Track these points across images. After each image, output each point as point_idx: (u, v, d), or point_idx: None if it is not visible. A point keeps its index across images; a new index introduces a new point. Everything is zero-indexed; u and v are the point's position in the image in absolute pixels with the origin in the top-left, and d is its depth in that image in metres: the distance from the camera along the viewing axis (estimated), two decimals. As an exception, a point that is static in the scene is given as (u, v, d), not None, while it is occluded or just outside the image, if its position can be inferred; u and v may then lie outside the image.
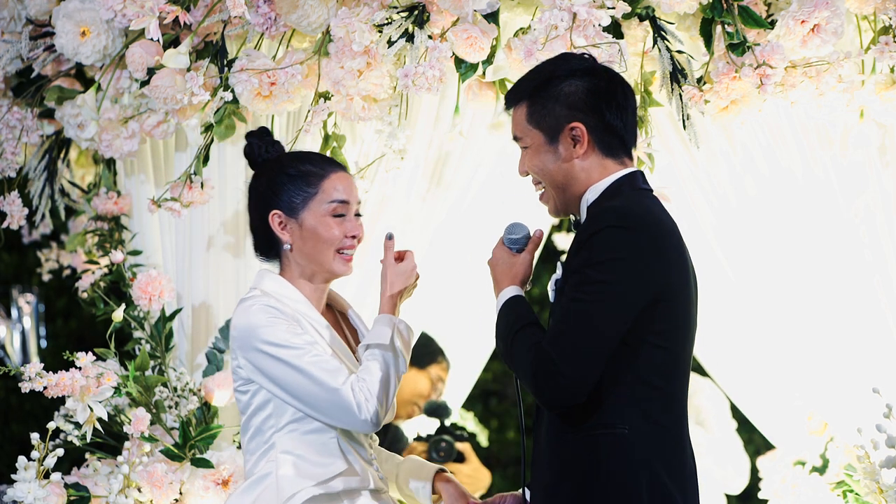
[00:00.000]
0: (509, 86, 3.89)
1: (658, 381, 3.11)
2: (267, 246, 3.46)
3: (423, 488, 3.53)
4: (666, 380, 3.13)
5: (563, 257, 3.25)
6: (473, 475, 4.81)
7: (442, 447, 4.75)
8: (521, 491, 3.43)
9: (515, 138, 3.29)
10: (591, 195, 3.20)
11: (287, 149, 3.86)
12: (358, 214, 3.45)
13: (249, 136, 3.52)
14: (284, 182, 3.41)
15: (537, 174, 3.25)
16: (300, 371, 3.26)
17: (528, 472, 3.34)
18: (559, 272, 3.20)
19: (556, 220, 5.61)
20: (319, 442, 3.32)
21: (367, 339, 3.35)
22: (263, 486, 3.32)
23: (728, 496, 5.43)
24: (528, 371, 3.06)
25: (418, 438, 4.87)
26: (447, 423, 4.89)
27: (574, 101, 3.19)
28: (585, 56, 3.29)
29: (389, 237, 3.43)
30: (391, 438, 4.88)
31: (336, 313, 3.56)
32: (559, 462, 3.13)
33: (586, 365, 3.02)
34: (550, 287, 3.23)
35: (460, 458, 4.78)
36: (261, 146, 3.49)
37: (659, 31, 3.73)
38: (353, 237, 3.41)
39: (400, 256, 3.47)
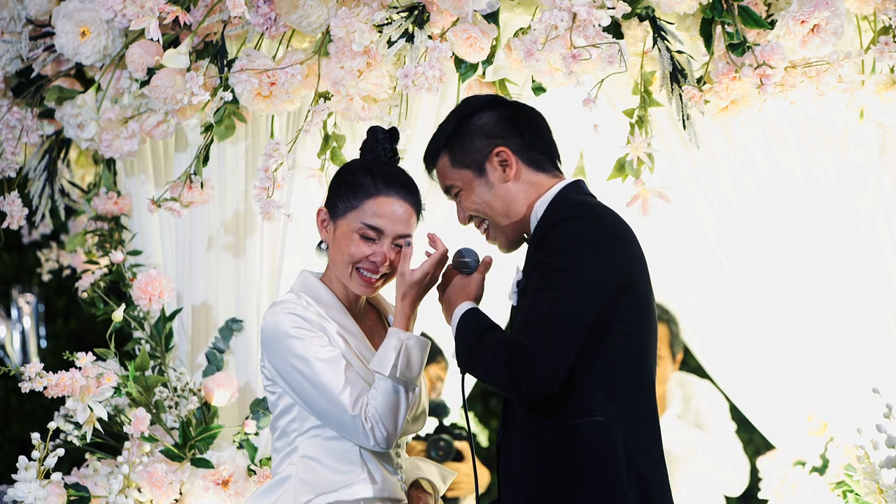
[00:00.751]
0: (509, 86, 3.90)
1: (628, 368, 3.14)
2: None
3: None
4: (635, 367, 3.16)
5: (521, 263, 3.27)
6: (472, 474, 4.80)
7: (441, 446, 4.75)
8: None
9: (447, 190, 3.35)
10: (539, 209, 3.24)
11: (287, 149, 3.88)
12: (398, 245, 3.39)
13: (378, 127, 3.51)
14: (340, 185, 3.41)
15: (477, 209, 3.30)
16: (318, 388, 3.28)
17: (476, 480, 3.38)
18: (519, 275, 3.22)
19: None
20: (341, 449, 3.33)
21: (373, 364, 3.33)
22: (282, 490, 3.33)
23: (728, 497, 5.43)
24: (501, 366, 3.07)
25: (417, 437, 4.86)
26: (446, 422, 4.89)
27: (490, 130, 3.27)
28: (487, 95, 3.40)
29: (408, 244, 3.39)
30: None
31: (377, 312, 3.56)
32: (538, 455, 3.15)
33: (559, 352, 3.04)
34: (511, 290, 3.25)
35: (459, 456, 4.78)
36: (366, 141, 3.48)
37: (659, 31, 3.73)
38: (374, 263, 3.37)
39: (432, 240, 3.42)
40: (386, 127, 3.87)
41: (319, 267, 3.52)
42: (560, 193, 3.24)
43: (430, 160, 3.36)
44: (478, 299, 3.33)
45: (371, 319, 3.51)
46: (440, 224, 4.15)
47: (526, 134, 3.28)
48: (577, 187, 3.27)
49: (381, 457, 3.37)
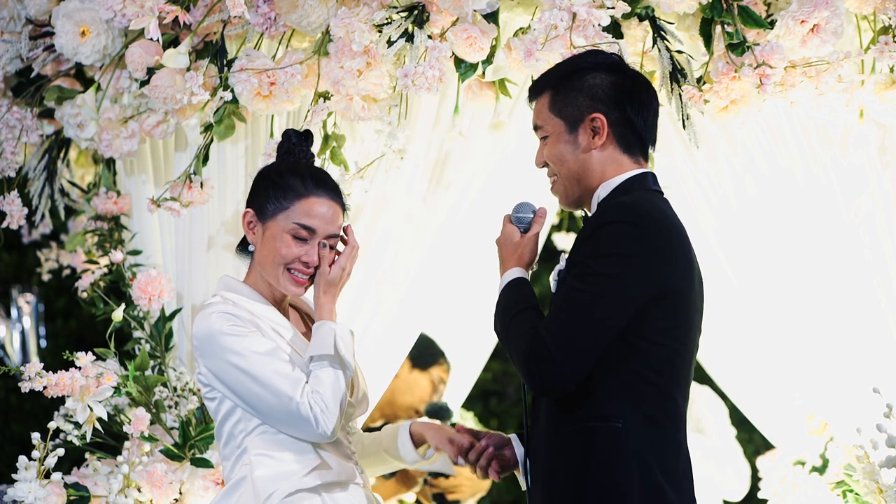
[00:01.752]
0: (509, 86, 3.90)
1: (656, 378, 3.13)
2: (245, 241, 3.49)
3: (404, 441, 3.54)
4: (664, 378, 3.15)
5: (568, 250, 3.27)
6: (473, 477, 4.80)
7: (442, 447, 4.75)
8: (510, 435, 3.46)
9: (536, 128, 3.33)
10: (602, 191, 3.23)
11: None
12: (329, 246, 3.40)
13: (292, 130, 3.52)
14: (267, 186, 3.41)
15: (554, 163, 3.29)
16: (258, 382, 3.27)
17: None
18: (563, 263, 3.22)
19: (555, 220, 5.62)
20: (291, 440, 3.32)
21: (310, 350, 3.33)
22: (241, 490, 3.32)
23: (727, 502, 5.42)
24: (522, 355, 3.10)
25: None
26: (448, 424, 4.88)
27: (597, 93, 3.23)
28: (613, 54, 3.35)
29: (323, 245, 3.40)
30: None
31: (301, 314, 3.56)
32: (554, 452, 3.16)
33: (579, 355, 3.05)
34: (553, 278, 3.25)
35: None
36: (281, 144, 3.49)
37: (659, 31, 3.73)
38: (306, 264, 3.39)
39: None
40: (386, 127, 3.88)
41: None
42: (626, 182, 3.22)
43: (534, 93, 3.33)
44: (530, 263, 3.33)
45: (294, 318, 3.52)
46: (440, 224, 4.16)
47: (629, 109, 3.24)
48: (644, 179, 3.25)
49: (332, 443, 3.37)
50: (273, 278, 3.41)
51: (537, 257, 3.37)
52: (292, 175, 3.40)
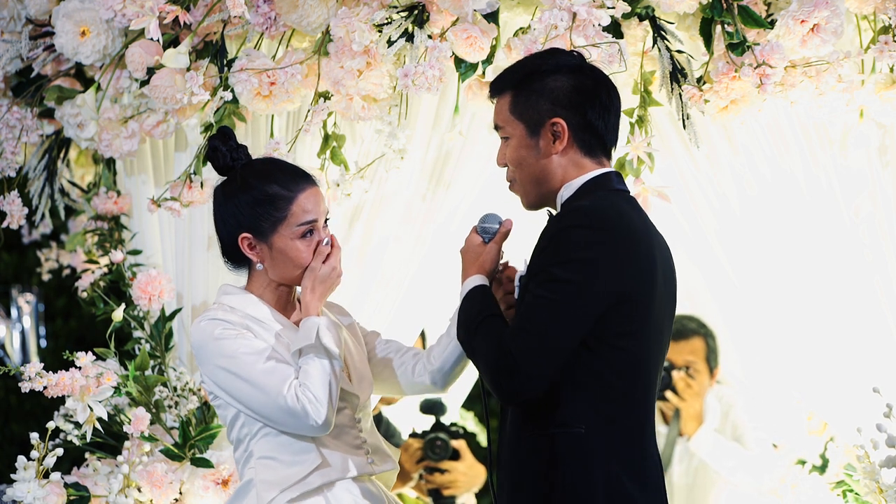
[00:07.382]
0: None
1: (617, 382, 3.12)
2: (236, 258, 3.44)
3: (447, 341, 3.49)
4: (626, 381, 3.13)
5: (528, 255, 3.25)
6: (469, 472, 4.82)
7: (437, 444, 4.76)
8: None
9: (497, 127, 3.31)
10: (566, 192, 3.22)
11: (287, 149, 3.88)
12: (326, 221, 3.40)
13: (213, 139, 3.44)
14: (252, 205, 3.36)
15: (515, 166, 3.27)
16: (247, 381, 3.27)
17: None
18: (523, 269, 3.21)
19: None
20: (292, 442, 3.33)
21: (294, 344, 3.32)
22: (248, 496, 3.34)
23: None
24: (487, 364, 3.10)
25: (413, 435, 4.87)
26: (444, 420, 4.89)
27: (558, 97, 3.21)
28: (574, 53, 3.32)
29: (326, 243, 3.38)
30: (384, 434, 4.87)
31: None
32: (519, 461, 3.16)
33: (544, 362, 3.04)
34: (515, 283, 3.25)
35: (455, 455, 4.79)
36: (226, 153, 3.42)
37: (659, 31, 3.73)
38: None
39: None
40: (386, 127, 3.88)
41: None
42: (589, 183, 3.20)
43: (495, 91, 3.30)
44: (490, 271, 3.32)
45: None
46: (440, 226, 4.16)
47: (590, 112, 3.21)
48: (608, 179, 3.23)
49: (337, 437, 3.37)
50: (297, 283, 3.39)
51: (498, 267, 3.34)
52: (269, 182, 3.36)
